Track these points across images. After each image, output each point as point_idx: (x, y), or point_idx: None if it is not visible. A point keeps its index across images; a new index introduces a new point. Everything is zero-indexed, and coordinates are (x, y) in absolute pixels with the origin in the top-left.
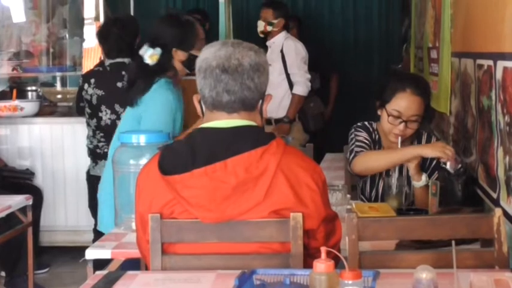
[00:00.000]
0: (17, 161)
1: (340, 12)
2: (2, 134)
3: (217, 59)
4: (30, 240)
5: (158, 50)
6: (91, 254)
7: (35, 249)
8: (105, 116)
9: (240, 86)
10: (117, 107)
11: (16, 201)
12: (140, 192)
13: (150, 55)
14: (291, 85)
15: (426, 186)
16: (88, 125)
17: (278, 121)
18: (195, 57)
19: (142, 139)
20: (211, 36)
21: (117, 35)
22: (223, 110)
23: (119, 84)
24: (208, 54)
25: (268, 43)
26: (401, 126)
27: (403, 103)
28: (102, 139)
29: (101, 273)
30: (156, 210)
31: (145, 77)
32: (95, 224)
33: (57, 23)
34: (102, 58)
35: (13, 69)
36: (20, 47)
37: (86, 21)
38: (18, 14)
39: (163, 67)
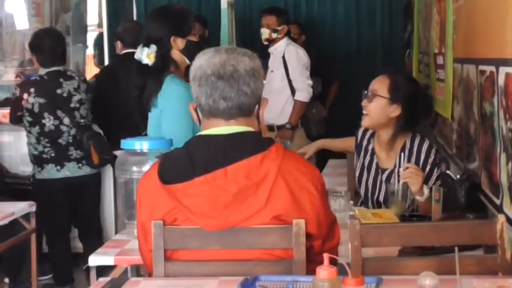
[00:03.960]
0: (20, 167)
1: (342, 17)
2: (5, 140)
3: (211, 66)
4: (33, 247)
5: (153, 48)
6: (94, 260)
7: (38, 255)
8: (49, 122)
9: (236, 92)
10: (59, 112)
11: (19, 208)
12: (141, 201)
13: (146, 54)
14: (293, 91)
15: (429, 194)
16: (29, 132)
17: (280, 127)
18: (194, 43)
19: (145, 146)
20: (214, 43)
21: (50, 45)
22: (221, 117)
23: (59, 91)
24: (202, 62)
25: (270, 50)
26: (364, 100)
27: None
28: (48, 144)
29: (104, 279)
30: (158, 219)
31: (152, 77)
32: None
33: (61, 30)
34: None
35: (16, 76)
36: (24, 54)
37: (89, 28)
38: (22, 21)
39: (164, 62)
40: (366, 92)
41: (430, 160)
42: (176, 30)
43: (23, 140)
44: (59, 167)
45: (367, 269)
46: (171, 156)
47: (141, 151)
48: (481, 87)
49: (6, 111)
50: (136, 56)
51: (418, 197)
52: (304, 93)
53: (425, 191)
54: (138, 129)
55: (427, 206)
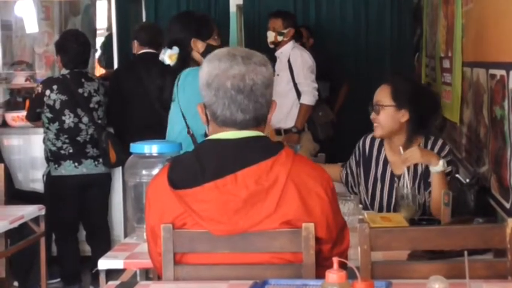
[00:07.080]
0: (30, 171)
1: (351, 21)
2: (15, 144)
3: (231, 79)
4: (43, 250)
5: (176, 49)
6: (103, 264)
7: (47, 259)
8: (68, 119)
9: (253, 104)
10: (79, 111)
11: (29, 211)
12: (150, 205)
13: (169, 55)
14: (298, 95)
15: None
16: (48, 128)
17: (287, 131)
18: (214, 47)
19: (154, 149)
20: (222, 46)
21: (77, 51)
22: (234, 127)
23: (80, 91)
24: (218, 71)
25: (276, 53)
26: (372, 113)
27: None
28: (67, 141)
29: (113, 283)
30: (167, 223)
31: (171, 78)
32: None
33: None
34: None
35: (26, 80)
36: (33, 57)
37: (98, 32)
38: (31, 25)
39: (184, 63)
40: (371, 105)
41: (443, 154)
42: (197, 33)
43: (32, 144)
44: (76, 164)
45: (376, 273)
46: (180, 160)
47: (151, 154)
48: (491, 91)
49: (16, 114)
50: (160, 58)
51: (433, 167)
52: (309, 96)
53: (440, 161)
54: (155, 128)
55: (439, 208)
